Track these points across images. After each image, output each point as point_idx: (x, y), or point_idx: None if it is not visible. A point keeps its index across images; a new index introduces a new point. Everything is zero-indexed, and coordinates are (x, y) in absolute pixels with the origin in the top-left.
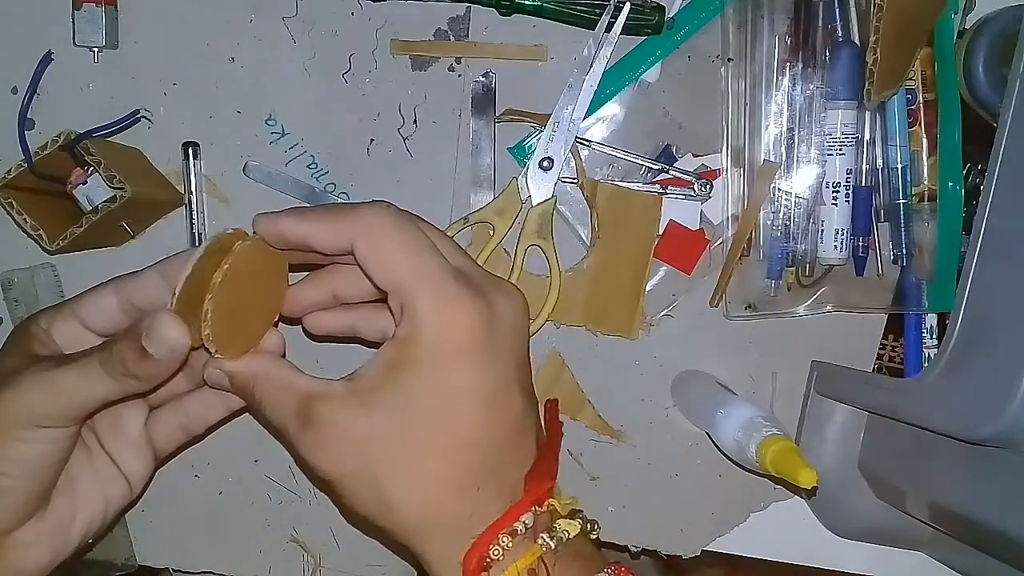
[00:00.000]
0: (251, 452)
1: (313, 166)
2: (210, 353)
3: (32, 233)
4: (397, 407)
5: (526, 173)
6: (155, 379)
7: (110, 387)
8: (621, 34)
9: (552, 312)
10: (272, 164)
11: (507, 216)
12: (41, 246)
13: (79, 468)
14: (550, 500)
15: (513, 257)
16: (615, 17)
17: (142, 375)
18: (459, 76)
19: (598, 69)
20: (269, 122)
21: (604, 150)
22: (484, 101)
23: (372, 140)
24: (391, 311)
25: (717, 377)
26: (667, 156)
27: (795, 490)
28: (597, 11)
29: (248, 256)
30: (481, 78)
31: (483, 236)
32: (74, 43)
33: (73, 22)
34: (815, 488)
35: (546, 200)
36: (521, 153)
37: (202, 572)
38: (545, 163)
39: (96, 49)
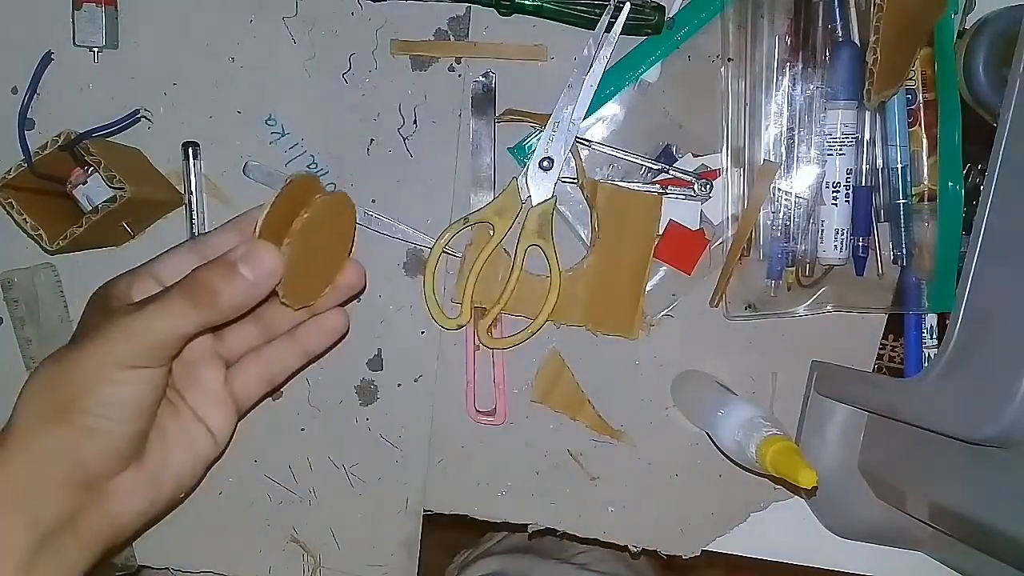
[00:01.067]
0: (251, 452)
1: (313, 166)
2: (279, 299)
3: (32, 233)
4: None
5: (526, 173)
6: (239, 308)
7: (191, 317)
8: (621, 34)
9: (552, 312)
10: (272, 164)
11: (507, 216)
12: (41, 246)
13: (168, 421)
14: None
15: (513, 257)
16: (615, 17)
17: (229, 301)
18: (459, 76)
19: (598, 69)
20: (269, 122)
21: (604, 150)
22: (484, 101)
23: (372, 140)
24: None
25: (717, 377)
26: (667, 156)
27: (795, 490)
28: (597, 11)
29: (327, 209)
30: (481, 78)
31: (483, 236)
32: (74, 43)
33: (73, 22)
34: (815, 488)
35: (546, 200)
36: (521, 153)
37: (202, 572)
38: (545, 163)
39: (96, 49)
